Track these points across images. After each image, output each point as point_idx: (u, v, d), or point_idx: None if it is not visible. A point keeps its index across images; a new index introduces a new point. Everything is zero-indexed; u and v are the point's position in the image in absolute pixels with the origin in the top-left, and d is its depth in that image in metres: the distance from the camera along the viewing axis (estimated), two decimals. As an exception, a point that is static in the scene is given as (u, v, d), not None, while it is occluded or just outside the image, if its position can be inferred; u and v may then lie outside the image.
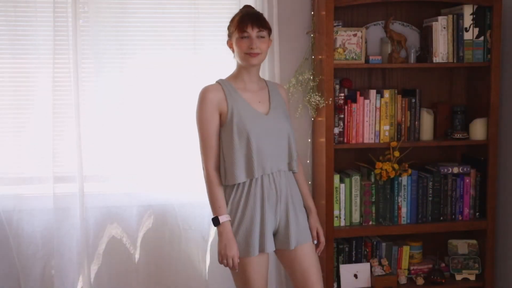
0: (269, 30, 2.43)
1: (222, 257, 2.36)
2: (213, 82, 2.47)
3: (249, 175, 2.36)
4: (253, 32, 2.35)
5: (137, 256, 3.24)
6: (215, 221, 2.37)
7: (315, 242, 2.54)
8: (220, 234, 2.37)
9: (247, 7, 2.51)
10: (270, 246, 2.41)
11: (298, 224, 2.46)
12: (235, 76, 2.47)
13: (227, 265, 2.36)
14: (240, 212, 2.38)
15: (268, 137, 2.39)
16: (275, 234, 2.46)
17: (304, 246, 2.47)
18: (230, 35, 2.44)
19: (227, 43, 2.47)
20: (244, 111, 2.38)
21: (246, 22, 2.35)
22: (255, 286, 2.41)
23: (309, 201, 2.57)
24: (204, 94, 2.39)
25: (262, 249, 2.39)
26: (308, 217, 2.55)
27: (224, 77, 2.50)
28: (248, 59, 2.37)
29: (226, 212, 2.38)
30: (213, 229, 3.24)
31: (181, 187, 3.18)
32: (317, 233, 2.54)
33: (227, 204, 2.40)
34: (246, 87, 2.45)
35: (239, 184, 2.38)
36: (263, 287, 2.45)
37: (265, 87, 2.51)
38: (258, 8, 3.09)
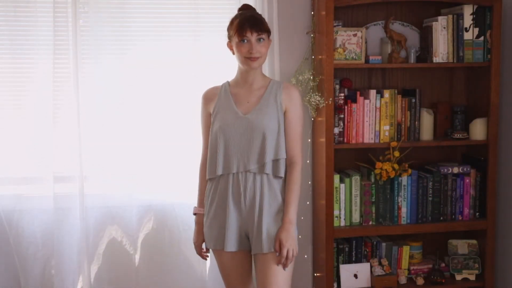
0: (268, 32, 2.43)
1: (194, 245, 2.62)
2: (208, 85, 2.60)
3: (212, 173, 2.46)
4: (252, 36, 2.36)
5: (137, 256, 3.23)
6: (193, 210, 2.62)
7: (277, 254, 2.37)
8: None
9: (246, 8, 2.52)
10: (230, 245, 2.43)
11: (262, 230, 2.38)
12: (236, 76, 2.53)
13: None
14: (208, 205, 2.51)
15: (239, 137, 2.41)
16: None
17: (264, 255, 2.38)
18: (230, 38, 2.45)
19: (227, 44, 2.48)
20: (224, 111, 2.45)
21: (245, 27, 2.36)
22: (226, 279, 2.57)
23: (285, 209, 2.41)
24: (202, 96, 2.58)
25: (223, 246, 2.44)
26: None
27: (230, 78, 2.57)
28: (248, 63, 2.39)
29: (201, 205, 2.58)
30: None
31: (181, 188, 3.18)
32: (280, 245, 2.35)
33: (205, 196, 2.56)
34: (242, 87, 2.49)
35: (212, 179, 2.49)
36: (237, 284, 2.53)
37: (264, 87, 2.49)
38: (258, 8, 3.09)
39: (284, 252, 2.35)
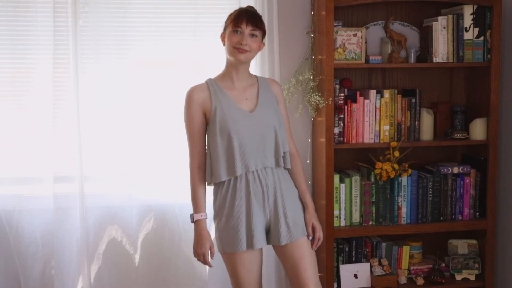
0: (263, 32, 2.45)
1: (194, 253, 2.50)
2: (202, 81, 2.53)
3: (231, 174, 2.41)
4: (246, 28, 2.38)
5: (137, 256, 3.24)
6: (192, 218, 2.49)
7: (310, 238, 2.53)
8: (194, 230, 2.49)
9: (248, 7, 2.53)
10: (259, 242, 2.43)
11: (288, 221, 2.45)
12: (223, 75, 2.51)
13: (199, 260, 2.49)
14: (226, 209, 2.43)
15: (252, 134, 2.40)
16: (268, 231, 2.48)
17: (297, 242, 2.47)
18: (225, 29, 2.47)
19: (221, 35, 2.49)
20: (228, 110, 2.42)
21: (242, 18, 2.39)
22: (244, 282, 2.47)
23: (305, 197, 2.56)
24: (189, 94, 2.47)
25: (250, 245, 2.42)
26: (304, 212, 2.55)
27: (213, 76, 2.54)
28: (236, 54, 2.39)
29: (203, 211, 2.48)
30: (214, 230, 3.25)
31: (181, 188, 3.17)
32: (313, 229, 2.53)
33: (215, 201, 2.49)
34: (233, 85, 2.48)
35: (224, 181, 2.43)
36: (253, 283, 2.49)
37: (255, 83, 2.51)
38: (258, 8, 3.09)
39: (319, 235, 2.53)
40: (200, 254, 2.48)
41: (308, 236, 2.52)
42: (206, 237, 2.47)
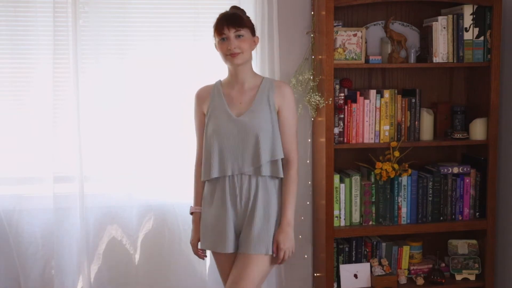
0: (249, 28, 2.43)
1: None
2: (212, 82, 2.57)
3: (207, 176, 2.46)
4: (230, 33, 2.37)
5: (137, 256, 3.24)
6: (190, 210, 2.61)
7: (274, 255, 2.41)
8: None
9: (232, 9, 2.51)
10: (230, 247, 2.42)
11: (253, 234, 2.38)
12: (228, 77, 2.53)
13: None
14: (206, 207, 2.52)
15: (233, 140, 2.40)
16: (238, 237, 2.46)
17: (248, 255, 2.38)
18: (214, 39, 2.47)
19: (214, 46, 2.49)
20: (218, 113, 2.45)
21: (222, 24, 2.39)
22: (224, 280, 2.55)
23: (284, 210, 2.42)
24: (195, 94, 2.57)
25: (222, 248, 2.43)
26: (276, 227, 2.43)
27: (223, 77, 2.56)
28: (230, 60, 2.40)
29: (200, 204, 2.57)
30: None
31: (181, 187, 3.17)
32: (277, 247, 2.39)
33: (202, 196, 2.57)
34: (233, 88, 2.48)
35: (209, 181, 2.50)
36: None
37: (256, 87, 2.47)
38: (258, 8, 3.10)
39: (281, 255, 2.40)
40: (191, 246, 2.61)
41: (273, 253, 2.41)
42: (195, 230, 2.57)
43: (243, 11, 2.51)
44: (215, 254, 2.55)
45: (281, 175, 2.43)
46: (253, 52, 3.13)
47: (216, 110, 2.45)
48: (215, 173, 2.42)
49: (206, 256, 2.65)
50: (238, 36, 2.38)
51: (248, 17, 2.48)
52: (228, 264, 2.49)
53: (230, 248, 2.43)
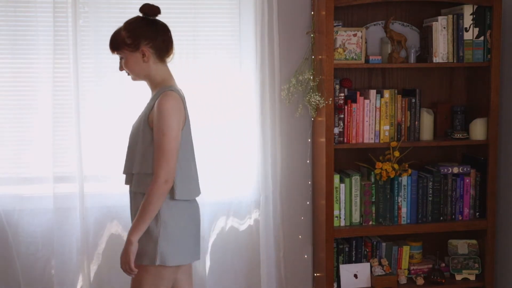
0: (128, 46, 2.32)
1: None
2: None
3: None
4: (115, 55, 2.39)
5: (137, 256, 3.23)
6: None
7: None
8: None
9: (147, 8, 2.46)
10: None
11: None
12: None
13: None
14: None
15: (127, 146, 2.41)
16: None
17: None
18: None
19: None
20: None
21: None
22: None
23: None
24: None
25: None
26: (146, 239, 2.28)
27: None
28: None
29: None
30: (214, 229, 3.25)
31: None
32: None
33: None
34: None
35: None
36: None
37: (154, 98, 2.39)
38: (258, 8, 3.10)
39: (122, 268, 2.28)
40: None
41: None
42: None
43: (122, 28, 2.37)
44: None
45: (137, 189, 2.31)
46: (253, 52, 3.17)
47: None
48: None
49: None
50: (121, 58, 2.39)
51: (126, 34, 2.32)
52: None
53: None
